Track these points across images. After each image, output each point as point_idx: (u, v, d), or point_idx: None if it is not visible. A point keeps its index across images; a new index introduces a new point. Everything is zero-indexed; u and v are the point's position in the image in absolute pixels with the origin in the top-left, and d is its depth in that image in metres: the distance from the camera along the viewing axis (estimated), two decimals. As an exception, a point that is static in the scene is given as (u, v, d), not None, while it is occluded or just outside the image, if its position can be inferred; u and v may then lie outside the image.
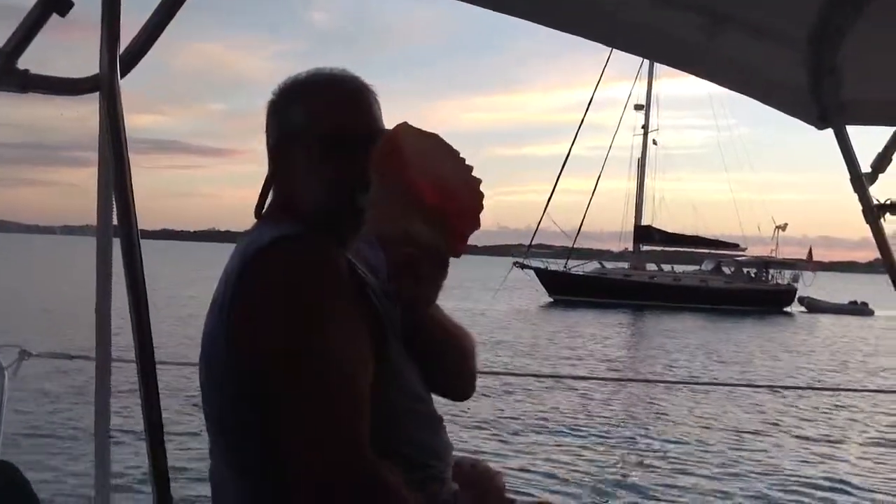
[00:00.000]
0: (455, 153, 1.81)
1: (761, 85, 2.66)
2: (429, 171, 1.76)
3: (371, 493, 1.53)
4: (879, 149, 2.66)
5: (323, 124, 1.74)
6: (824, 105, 2.61)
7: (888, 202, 2.65)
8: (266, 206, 1.85)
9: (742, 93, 2.67)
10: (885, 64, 2.50)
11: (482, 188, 1.81)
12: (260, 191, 1.86)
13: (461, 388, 2.04)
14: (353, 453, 1.53)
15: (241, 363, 1.63)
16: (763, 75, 2.63)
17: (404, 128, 1.77)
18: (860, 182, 2.66)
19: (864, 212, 2.66)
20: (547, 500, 1.95)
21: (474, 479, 1.99)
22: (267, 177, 1.84)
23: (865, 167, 2.67)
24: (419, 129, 1.79)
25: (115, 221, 2.09)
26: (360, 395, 1.59)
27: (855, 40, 2.38)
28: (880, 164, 2.66)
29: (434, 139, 1.80)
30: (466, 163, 1.81)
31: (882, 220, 2.65)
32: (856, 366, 26.39)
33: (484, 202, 1.80)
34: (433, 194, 1.75)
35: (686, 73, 2.74)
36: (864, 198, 2.66)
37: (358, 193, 1.74)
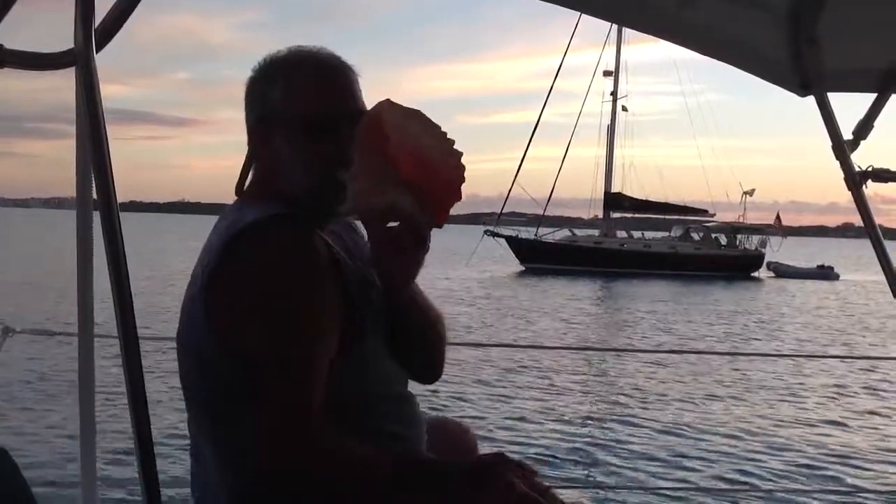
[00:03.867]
0: (436, 127, 1.83)
1: (742, 53, 2.65)
2: (409, 145, 1.77)
3: (322, 461, 1.56)
4: (860, 116, 2.67)
5: (304, 105, 1.74)
6: (806, 72, 2.60)
7: (870, 169, 2.66)
8: (247, 183, 1.85)
9: (722, 60, 2.66)
10: (866, 30, 2.50)
11: (464, 161, 1.83)
12: (241, 166, 1.86)
13: (431, 371, 2.04)
14: (305, 427, 1.55)
15: (218, 343, 1.65)
16: (743, 43, 2.61)
17: (387, 104, 1.79)
18: (842, 149, 2.66)
19: (846, 179, 2.67)
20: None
21: (446, 436, 2.01)
22: (248, 155, 1.83)
23: (846, 134, 2.67)
24: (401, 106, 1.81)
25: (94, 195, 2.07)
26: (317, 377, 1.60)
27: (835, 6, 2.38)
28: (861, 130, 2.66)
29: (416, 115, 1.81)
30: (448, 136, 1.83)
31: (864, 186, 2.66)
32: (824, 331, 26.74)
33: (465, 174, 1.83)
34: (412, 166, 1.77)
35: (657, 39, 2.72)
36: (846, 165, 2.67)
37: (339, 169, 1.74)
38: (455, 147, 1.83)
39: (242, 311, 1.62)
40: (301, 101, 1.74)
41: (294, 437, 1.53)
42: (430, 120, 1.83)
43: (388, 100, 1.79)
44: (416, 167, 1.77)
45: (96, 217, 2.05)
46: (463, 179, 1.83)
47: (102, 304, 2.10)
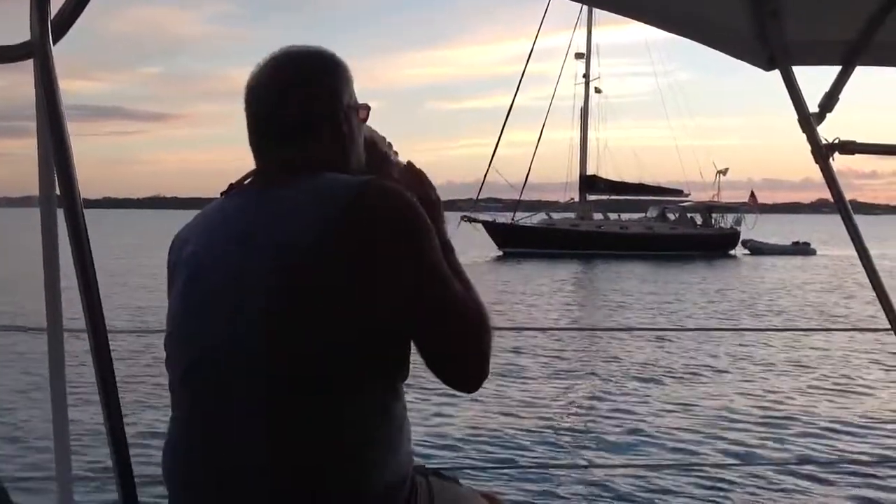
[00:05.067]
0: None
1: (707, 29, 2.65)
2: None
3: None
4: (826, 88, 2.68)
5: (348, 96, 1.93)
6: (771, 47, 2.61)
7: (836, 141, 2.67)
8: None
9: (688, 37, 2.66)
10: (828, 3, 2.51)
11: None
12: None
13: None
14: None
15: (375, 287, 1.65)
16: (708, 19, 2.61)
17: None
18: (808, 122, 2.67)
19: (813, 152, 2.68)
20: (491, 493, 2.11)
21: None
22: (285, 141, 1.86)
23: (812, 107, 2.68)
24: None
25: (57, 191, 2.04)
26: None
27: None
28: (827, 103, 2.67)
29: None
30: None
31: (831, 159, 2.67)
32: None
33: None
34: None
35: (627, 20, 2.72)
36: (813, 138, 2.68)
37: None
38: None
39: (415, 241, 1.71)
40: (348, 93, 1.93)
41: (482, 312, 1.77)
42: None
43: None
44: None
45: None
46: None
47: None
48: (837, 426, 11.06)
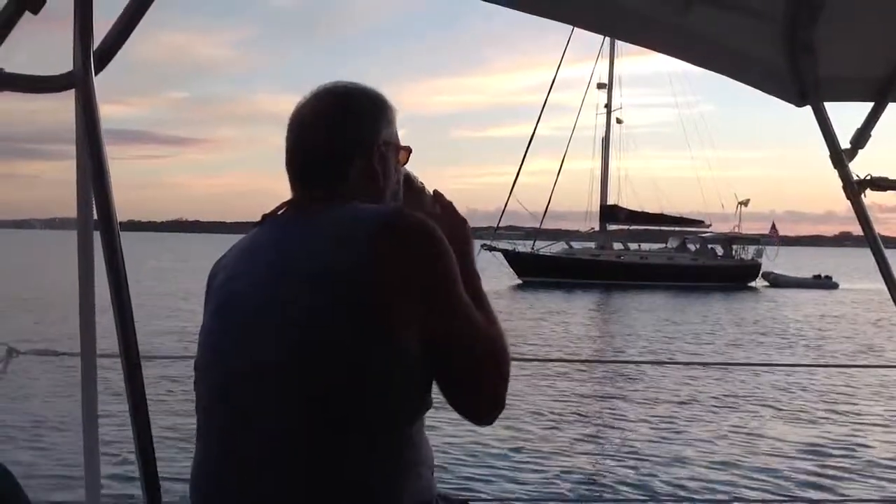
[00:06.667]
0: None
1: (739, 64, 2.66)
2: None
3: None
4: (858, 125, 2.68)
5: (388, 134, 1.95)
6: (803, 83, 2.61)
7: (868, 177, 2.67)
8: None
9: (719, 72, 2.67)
10: (861, 40, 2.51)
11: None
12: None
13: None
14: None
15: (400, 312, 1.67)
16: (740, 54, 2.62)
17: None
18: (840, 159, 2.67)
19: (845, 188, 2.67)
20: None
21: None
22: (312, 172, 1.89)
23: (844, 143, 2.68)
24: None
25: (94, 216, 2.07)
26: None
27: (830, 17, 2.39)
28: (859, 139, 2.67)
29: None
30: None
31: (863, 195, 2.67)
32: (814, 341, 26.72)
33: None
34: None
35: (651, 52, 2.73)
36: (845, 174, 2.67)
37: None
38: None
39: (432, 265, 1.72)
40: (394, 131, 1.97)
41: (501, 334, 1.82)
42: None
43: None
44: None
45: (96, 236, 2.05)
46: None
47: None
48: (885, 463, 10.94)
